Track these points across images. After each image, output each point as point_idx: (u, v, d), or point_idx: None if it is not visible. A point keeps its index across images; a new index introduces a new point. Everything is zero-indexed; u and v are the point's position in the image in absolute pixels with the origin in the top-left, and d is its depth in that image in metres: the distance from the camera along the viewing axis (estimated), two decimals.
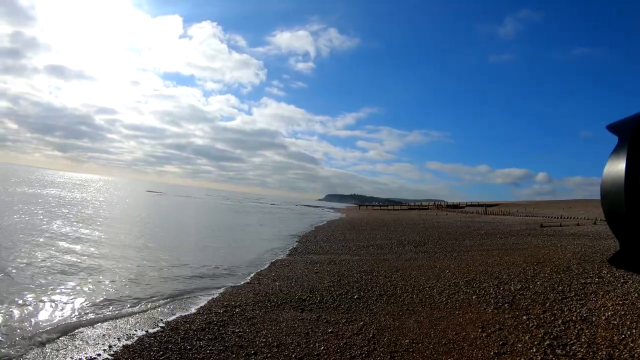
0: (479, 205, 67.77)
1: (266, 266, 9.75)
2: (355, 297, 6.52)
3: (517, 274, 7.97)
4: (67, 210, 21.82)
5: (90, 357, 4.00)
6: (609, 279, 6.79)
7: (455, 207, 68.56)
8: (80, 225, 16.41)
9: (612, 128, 1.16)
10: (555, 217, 27.86)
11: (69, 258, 9.71)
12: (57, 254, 9.40)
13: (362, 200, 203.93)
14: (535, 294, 6.29)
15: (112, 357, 3.99)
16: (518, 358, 3.90)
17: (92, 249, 10.93)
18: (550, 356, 3.90)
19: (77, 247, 11.07)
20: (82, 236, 13.56)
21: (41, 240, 10.54)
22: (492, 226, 22.91)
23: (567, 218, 26.19)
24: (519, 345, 4.21)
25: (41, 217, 17.61)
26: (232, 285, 7.62)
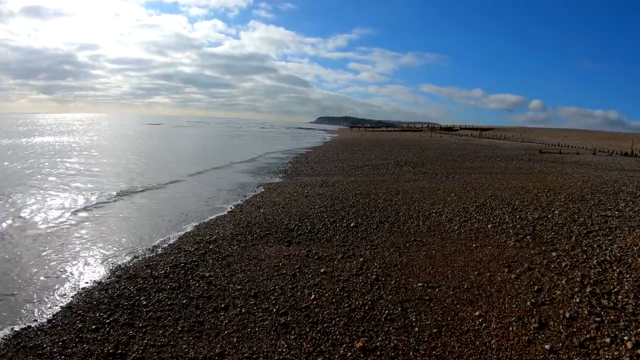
0: (473, 128, 66.58)
1: (252, 192, 8.71)
2: (351, 224, 5.62)
3: (530, 200, 7.18)
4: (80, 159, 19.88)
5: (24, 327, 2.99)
6: (629, 214, 6.12)
7: (449, 129, 67.34)
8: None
9: None
10: (552, 145, 27.14)
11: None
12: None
13: (354, 123, 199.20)
14: (556, 225, 5.50)
15: (50, 324, 2.97)
16: (561, 311, 3.09)
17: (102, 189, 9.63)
18: (598, 308, 3.10)
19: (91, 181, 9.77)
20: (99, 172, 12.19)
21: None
22: (490, 150, 22.11)
23: (565, 146, 25.42)
24: (558, 293, 3.40)
25: (47, 164, 15.83)
26: (210, 216, 6.44)
